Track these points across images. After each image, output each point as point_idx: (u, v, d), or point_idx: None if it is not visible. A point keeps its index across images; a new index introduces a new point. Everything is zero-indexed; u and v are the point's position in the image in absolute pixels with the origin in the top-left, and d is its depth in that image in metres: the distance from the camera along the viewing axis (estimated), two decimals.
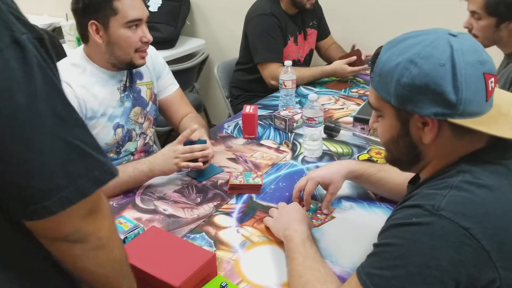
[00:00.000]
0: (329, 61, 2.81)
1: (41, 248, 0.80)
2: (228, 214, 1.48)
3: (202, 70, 3.40)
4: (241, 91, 2.83)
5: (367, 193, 1.54)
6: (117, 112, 1.72)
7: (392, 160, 1.06)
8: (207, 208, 1.51)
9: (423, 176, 1.03)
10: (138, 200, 1.57)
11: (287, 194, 1.56)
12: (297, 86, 2.38)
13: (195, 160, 1.58)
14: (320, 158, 1.79)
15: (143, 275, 1.10)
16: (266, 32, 2.55)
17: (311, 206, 1.48)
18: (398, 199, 1.06)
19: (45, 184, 0.69)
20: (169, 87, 1.95)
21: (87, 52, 1.67)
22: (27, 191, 0.69)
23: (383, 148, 1.74)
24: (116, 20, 1.57)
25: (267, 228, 1.39)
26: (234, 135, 2.00)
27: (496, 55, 1.54)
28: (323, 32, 2.87)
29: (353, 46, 2.61)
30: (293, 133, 1.99)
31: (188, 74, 3.21)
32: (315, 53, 2.91)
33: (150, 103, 1.85)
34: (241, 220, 1.45)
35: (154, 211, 1.51)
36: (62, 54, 2.15)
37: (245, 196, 1.57)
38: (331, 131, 1.92)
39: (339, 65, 2.50)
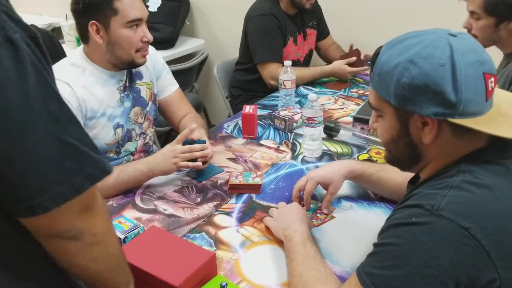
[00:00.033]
0: (328, 61, 2.81)
1: (40, 248, 0.80)
2: (228, 214, 1.49)
3: (201, 70, 3.40)
4: (240, 91, 2.83)
5: (367, 193, 1.54)
6: (117, 112, 1.72)
7: (392, 160, 1.06)
8: (207, 208, 1.52)
9: (423, 176, 1.03)
10: (138, 200, 1.57)
11: (287, 194, 1.56)
12: (297, 86, 2.38)
13: (195, 160, 1.58)
14: (319, 158, 1.79)
15: (143, 274, 1.10)
16: (265, 32, 2.55)
17: (311, 206, 1.48)
18: (398, 199, 1.07)
19: (39, 182, 0.70)
20: (169, 87, 1.95)
21: (87, 52, 1.67)
22: (21, 189, 0.70)
23: (382, 148, 1.74)
24: (116, 20, 1.58)
25: (267, 227, 1.39)
26: (234, 135, 2.00)
27: (495, 55, 1.54)
28: (323, 32, 2.87)
29: (351, 46, 2.61)
30: (293, 133, 1.99)
31: (188, 74, 3.21)
32: (314, 53, 2.91)
33: (150, 103, 1.85)
34: (241, 220, 1.45)
35: (154, 211, 1.51)
36: (61, 54, 2.15)
37: (245, 196, 1.57)
38: (330, 131, 1.92)
39: (339, 65, 2.50)
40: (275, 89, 2.41)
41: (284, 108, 2.11)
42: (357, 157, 1.79)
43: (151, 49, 1.78)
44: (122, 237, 1.28)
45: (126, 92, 1.75)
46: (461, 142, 0.93)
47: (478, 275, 0.84)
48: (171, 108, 1.95)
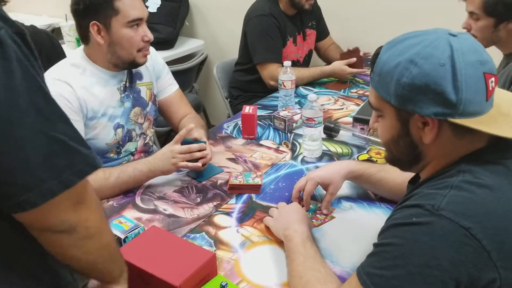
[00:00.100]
0: (328, 61, 2.81)
1: (37, 246, 0.81)
2: (228, 214, 1.49)
3: (201, 71, 3.40)
4: (240, 92, 2.83)
5: (367, 193, 1.54)
6: (117, 112, 1.72)
7: (392, 160, 1.06)
8: (207, 208, 1.52)
9: (423, 176, 1.03)
10: (138, 200, 1.57)
11: (286, 194, 1.56)
12: (297, 87, 2.38)
13: (195, 160, 1.58)
14: (319, 158, 1.79)
15: (143, 274, 1.10)
16: (265, 32, 2.56)
17: (311, 206, 1.48)
18: (398, 199, 1.06)
19: (27, 178, 0.70)
20: (169, 88, 1.95)
21: (87, 53, 1.67)
22: (9, 185, 0.70)
23: (382, 148, 1.74)
24: (117, 20, 1.58)
25: (267, 228, 1.39)
26: (234, 136, 2.00)
27: (495, 55, 1.54)
28: (322, 32, 2.88)
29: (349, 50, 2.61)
30: (293, 133, 2.00)
31: (187, 75, 3.21)
32: (314, 54, 2.91)
33: (150, 103, 1.86)
34: (241, 220, 1.45)
35: (154, 211, 1.51)
36: (61, 55, 2.15)
37: (245, 196, 1.57)
38: (330, 131, 1.92)
39: (339, 65, 2.50)
40: (275, 89, 2.41)
41: (283, 109, 2.12)
42: (357, 157, 1.79)
43: (151, 49, 1.78)
44: (122, 237, 1.28)
45: (126, 93, 1.75)
46: (462, 142, 0.93)
47: (479, 275, 0.84)
48: (171, 108, 1.95)
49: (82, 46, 1.70)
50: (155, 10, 3.35)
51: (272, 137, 1.98)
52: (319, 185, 1.46)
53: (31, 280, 0.84)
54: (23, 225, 0.77)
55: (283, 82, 2.16)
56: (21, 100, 0.69)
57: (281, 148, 1.89)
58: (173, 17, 3.39)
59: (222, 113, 3.24)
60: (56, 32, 3.67)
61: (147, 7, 1.68)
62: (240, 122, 2.02)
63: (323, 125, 1.83)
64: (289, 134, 1.99)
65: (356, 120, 1.93)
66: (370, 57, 2.43)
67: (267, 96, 2.45)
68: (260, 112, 2.17)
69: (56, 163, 0.72)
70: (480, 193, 0.88)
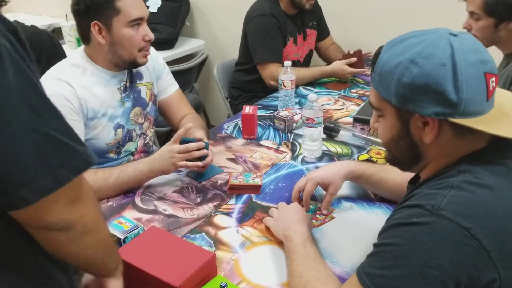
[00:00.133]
0: (328, 61, 2.81)
1: (37, 246, 0.81)
2: (228, 214, 1.48)
3: (201, 71, 3.40)
4: (240, 92, 2.83)
5: (367, 193, 1.54)
6: (117, 112, 1.72)
7: (393, 160, 1.06)
8: (207, 208, 1.51)
9: (423, 176, 1.03)
10: (138, 200, 1.57)
11: (286, 194, 1.56)
12: (297, 87, 2.38)
13: (196, 159, 1.58)
14: (319, 159, 1.79)
15: (143, 275, 1.10)
16: (265, 32, 2.55)
17: (311, 206, 1.48)
18: (398, 199, 1.06)
19: (21, 175, 0.70)
20: (169, 88, 1.95)
21: (88, 53, 1.67)
22: (3, 182, 0.70)
23: (382, 149, 1.74)
24: (118, 20, 1.58)
25: (267, 228, 1.39)
26: (234, 136, 2.00)
27: (495, 55, 1.54)
28: (323, 32, 2.87)
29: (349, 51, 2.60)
30: (293, 134, 1.99)
31: (188, 75, 3.21)
32: (314, 54, 2.91)
33: (150, 103, 1.86)
34: (241, 220, 1.45)
35: (154, 211, 1.51)
36: (61, 55, 2.15)
37: (245, 196, 1.57)
38: (330, 132, 1.92)
39: (339, 65, 2.50)
40: (275, 89, 2.41)
41: (284, 109, 2.11)
42: (357, 157, 1.79)
43: (152, 49, 1.78)
44: (122, 237, 1.28)
45: (126, 93, 1.75)
46: (462, 142, 0.93)
47: (479, 275, 0.84)
48: (171, 108, 1.95)
49: (82, 46, 1.70)
50: (156, 10, 3.35)
51: (272, 137, 1.98)
52: (319, 185, 1.45)
53: (26, 279, 0.84)
54: (20, 224, 0.77)
55: (283, 82, 2.16)
56: (14, 97, 0.69)
57: (281, 148, 1.89)
58: (174, 17, 3.39)
59: (222, 113, 3.24)
60: (57, 32, 3.67)
61: (147, 7, 1.68)
62: (240, 122, 2.02)
63: (323, 125, 1.83)
64: (289, 134, 1.99)
65: (356, 120, 1.93)
66: (371, 57, 2.43)
67: (267, 96, 2.45)
68: (260, 112, 2.17)
69: (50, 160, 0.72)
70: (480, 193, 0.88)
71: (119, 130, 1.74)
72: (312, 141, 1.78)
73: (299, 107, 2.21)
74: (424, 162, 1.00)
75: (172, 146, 1.56)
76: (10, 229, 0.78)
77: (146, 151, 1.90)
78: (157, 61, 1.89)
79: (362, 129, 1.90)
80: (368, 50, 2.55)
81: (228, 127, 2.09)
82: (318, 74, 2.54)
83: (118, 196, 1.58)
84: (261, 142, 1.94)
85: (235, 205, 1.53)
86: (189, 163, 1.57)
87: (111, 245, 0.96)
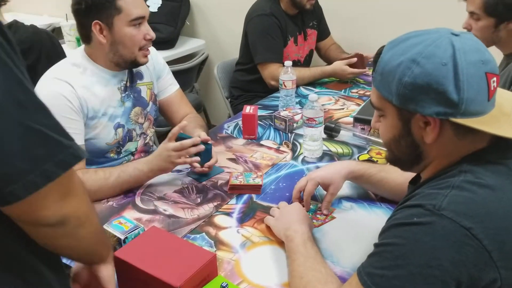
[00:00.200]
0: (329, 61, 2.81)
1: (25, 244, 0.81)
2: (228, 214, 1.48)
3: (202, 71, 3.40)
4: (241, 92, 2.83)
5: (367, 193, 1.54)
6: (117, 112, 1.72)
7: (394, 160, 1.06)
8: (207, 208, 1.51)
9: (424, 176, 1.02)
10: (138, 201, 1.57)
11: (287, 194, 1.55)
12: (297, 87, 2.38)
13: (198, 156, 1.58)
14: (320, 159, 1.79)
15: (143, 275, 1.10)
16: (266, 32, 2.55)
17: (311, 206, 1.48)
18: (399, 199, 1.06)
19: (9, 170, 0.70)
20: (169, 87, 1.95)
21: (88, 52, 1.67)
22: None
23: (383, 149, 1.74)
24: (120, 19, 1.58)
25: (268, 228, 1.39)
26: (234, 136, 2.00)
27: (495, 55, 1.54)
28: (323, 32, 2.87)
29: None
30: (293, 134, 1.99)
31: (188, 75, 3.21)
32: (315, 54, 2.91)
33: (151, 103, 1.85)
34: (241, 220, 1.45)
35: (154, 211, 1.50)
36: (61, 55, 2.15)
37: (245, 197, 1.57)
38: (331, 132, 1.92)
39: (339, 66, 2.50)
40: (276, 89, 2.40)
41: (284, 109, 2.11)
42: (358, 157, 1.79)
43: (152, 49, 1.78)
44: (122, 237, 1.27)
45: (127, 92, 1.75)
46: (463, 142, 0.93)
47: (479, 275, 0.84)
48: (172, 108, 1.95)
49: (82, 46, 1.70)
50: (156, 10, 3.35)
51: (272, 137, 1.98)
52: (319, 185, 1.45)
53: (15, 278, 0.84)
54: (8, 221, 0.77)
55: (284, 82, 2.16)
56: None
57: (281, 148, 1.88)
58: (174, 17, 3.39)
59: (223, 113, 3.24)
60: (57, 31, 3.67)
61: (148, 6, 1.68)
62: (240, 122, 2.02)
63: (323, 125, 1.83)
64: (289, 134, 1.99)
65: (357, 120, 1.93)
66: (371, 61, 2.43)
67: (267, 96, 2.45)
68: (261, 112, 2.17)
69: (37, 155, 0.72)
70: (481, 193, 0.88)
71: (119, 130, 1.73)
72: (312, 141, 1.78)
73: (300, 107, 2.21)
74: (425, 162, 1.00)
75: (167, 144, 1.56)
76: (10, 233, 0.79)
77: (146, 151, 1.90)
78: (157, 61, 1.89)
79: (363, 129, 1.90)
80: (368, 50, 2.54)
81: (229, 127, 2.09)
82: (319, 74, 2.54)
83: (118, 196, 1.58)
84: (261, 142, 1.94)
85: (236, 205, 1.53)
86: (188, 159, 1.56)
87: (102, 233, 0.98)
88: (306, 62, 2.81)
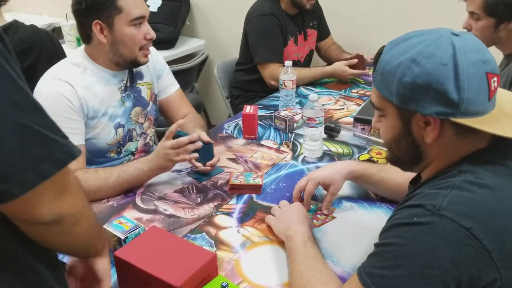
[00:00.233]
0: (329, 61, 2.81)
1: (21, 242, 0.81)
2: (229, 214, 1.48)
3: (202, 70, 3.40)
4: (241, 91, 2.83)
5: (367, 193, 1.54)
6: (118, 112, 1.72)
7: (394, 160, 1.06)
8: (208, 208, 1.51)
9: (424, 176, 1.02)
10: (138, 200, 1.57)
11: (287, 194, 1.55)
12: (297, 87, 2.38)
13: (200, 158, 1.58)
14: (320, 159, 1.79)
15: (143, 275, 1.10)
16: (266, 32, 2.55)
17: (312, 206, 1.48)
18: (399, 199, 1.06)
19: (4, 169, 0.70)
20: (170, 87, 1.95)
21: (89, 52, 1.67)
22: None
23: (383, 149, 1.74)
24: (120, 19, 1.58)
25: (268, 228, 1.39)
26: (234, 135, 2.00)
27: (495, 55, 1.54)
28: (323, 32, 2.87)
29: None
30: (294, 134, 1.99)
31: (188, 74, 3.21)
32: (315, 54, 2.91)
33: (151, 103, 1.85)
34: (242, 220, 1.45)
35: (155, 211, 1.51)
36: (61, 55, 2.15)
37: (246, 196, 1.57)
38: (331, 132, 1.92)
39: (340, 66, 2.49)
40: (276, 89, 2.40)
41: (284, 109, 2.11)
42: (358, 157, 1.79)
43: (152, 49, 1.78)
44: (122, 237, 1.27)
45: (127, 92, 1.75)
46: (463, 142, 0.93)
47: (479, 275, 0.84)
48: (172, 108, 1.95)
49: (82, 46, 1.70)
50: (156, 10, 3.35)
51: (272, 137, 1.98)
52: (319, 185, 1.45)
53: (14, 277, 0.84)
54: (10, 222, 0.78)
55: (284, 82, 2.16)
56: None
57: (281, 148, 1.89)
58: (174, 17, 3.39)
59: (223, 113, 3.24)
60: (57, 31, 3.67)
61: (147, 6, 1.68)
62: (240, 122, 2.02)
63: (324, 125, 1.83)
64: (289, 134, 1.99)
65: (357, 120, 1.93)
66: (371, 62, 2.43)
67: (268, 96, 2.45)
68: (261, 112, 2.17)
69: (32, 153, 0.72)
70: (481, 193, 0.88)
71: (120, 130, 1.73)
72: (312, 141, 1.78)
73: (300, 107, 2.21)
74: (425, 162, 1.00)
75: (164, 143, 1.56)
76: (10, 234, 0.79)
77: (147, 151, 1.90)
78: (157, 61, 1.90)
79: (363, 129, 1.90)
80: (368, 50, 2.53)
81: (229, 127, 2.09)
82: (319, 74, 2.54)
83: (119, 196, 1.58)
84: (261, 142, 1.94)
85: (236, 205, 1.53)
86: (187, 157, 1.56)
87: (98, 228, 0.98)
88: (306, 62, 2.81)
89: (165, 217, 1.47)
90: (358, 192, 1.55)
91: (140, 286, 1.12)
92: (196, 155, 1.57)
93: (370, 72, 2.48)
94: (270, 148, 1.89)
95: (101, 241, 1.01)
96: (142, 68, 1.80)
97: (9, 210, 0.75)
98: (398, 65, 0.91)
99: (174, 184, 1.65)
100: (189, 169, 1.72)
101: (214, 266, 1.17)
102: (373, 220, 1.42)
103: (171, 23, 3.36)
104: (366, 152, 1.82)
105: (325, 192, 1.46)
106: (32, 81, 1.63)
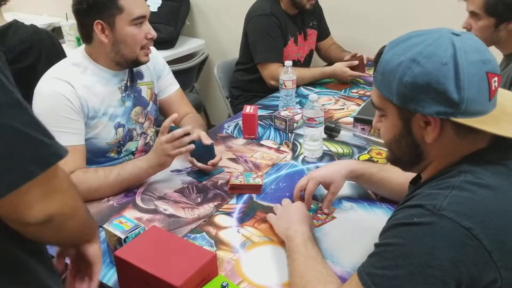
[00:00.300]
0: (329, 61, 2.81)
1: (21, 240, 0.82)
2: (229, 214, 1.48)
3: (202, 70, 3.40)
4: (241, 91, 2.83)
5: (367, 193, 1.54)
6: (118, 112, 1.72)
7: (394, 159, 1.06)
8: (208, 208, 1.51)
9: (424, 176, 1.02)
10: (138, 200, 1.57)
11: (287, 194, 1.55)
12: (297, 87, 2.38)
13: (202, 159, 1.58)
14: (320, 159, 1.79)
15: (144, 274, 1.10)
16: (266, 32, 2.55)
17: (312, 206, 1.48)
18: (399, 199, 1.06)
19: None
20: (170, 87, 1.95)
21: (89, 52, 1.67)
22: None
23: (383, 149, 1.74)
24: (121, 18, 1.58)
25: (268, 228, 1.39)
26: (234, 135, 2.00)
27: (495, 55, 1.54)
28: (323, 32, 2.87)
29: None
30: (294, 134, 1.99)
31: (188, 74, 3.21)
32: (315, 54, 2.91)
33: (151, 103, 1.86)
34: (242, 220, 1.45)
35: (155, 211, 1.51)
36: (61, 54, 2.15)
37: (246, 196, 1.57)
38: (331, 132, 1.92)
39: (340, 67, 2.49)
40: (276, 89, 2.40)
41: (284, 109, 2.11)
42: (358, 157, 1.79)
43: (152, 49, 1.78)
44: (122, 237, 1.27)
45: (127, 92, 1.75)
46: (464, 142, 0.93)
47: (480, 275, 0.84)
48: (172, 108, 1.95)
49: (83, 46, 1.70)
50: (156, 10, 3.35)
51: (273, 137, 1.98)
52: (320, 185, 1.45)
53: (4, 273, 0.84)
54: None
55: (284, 82, 2.16)
56: None
57: (281, 148, 1.89)
58: (174, 17, 3.39)
59: (223, 113, 3.24)
60: (57, 31, 3.67)
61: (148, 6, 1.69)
62: (240, 122, 2.02)
63: (324, 125, 1.83)
64: (289, 134, 1.99)
65: (357, 120, 1.93)
66: (372, 60, 2.43)
67: (267, 96, 2.45)
68: (261, 112, 2.17)
69: (18, 154, 0.72)
70: (481, 193, 0.88)
71: (120, 130, 1.74)
72: (312, 141, 1.78)
73: (300, 107, 2.21)
74: (425, 162, 1.00)
75: (159, 138, 1.57)
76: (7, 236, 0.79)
77: (147, 151, 1.89)
78: (157, 61, 1.90)
79: (363, 129, 1.90)
80: (369, 50, 2.53)
81: (229, 126, 2.09)
82: (319, 74, 2.54)
83: (119, 196, 1.58)
84: (261, 142, 1.94)
85: (236, 205, 1.53)
86: (183, 149, 1.56)
87: (89, 218, 0.98)
88: (306, 62, 2.81)
89: (165, 217, 1.47)
90: (358, 192, 1.55)
91: (140, 286, 1.12)
92: (192, 146, 1.57)
93: (370, 73, 2.48)
94: (270, 148, 1.89)
95: (92, 230, 1.01)
96: (142, 68, 1.80)
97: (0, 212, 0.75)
98: (398, 65, 0.91)
99: (174, 184, 1.65)
100: (189, 169, 1.72)
101: (214, 266, 1.17)
102: (373, 220, 1.42)
103: (171, 23, 3.36)
104: (366, 152, 1.82)
105: (326, 191, 1.46)
106: (32, 81, 1.63)
